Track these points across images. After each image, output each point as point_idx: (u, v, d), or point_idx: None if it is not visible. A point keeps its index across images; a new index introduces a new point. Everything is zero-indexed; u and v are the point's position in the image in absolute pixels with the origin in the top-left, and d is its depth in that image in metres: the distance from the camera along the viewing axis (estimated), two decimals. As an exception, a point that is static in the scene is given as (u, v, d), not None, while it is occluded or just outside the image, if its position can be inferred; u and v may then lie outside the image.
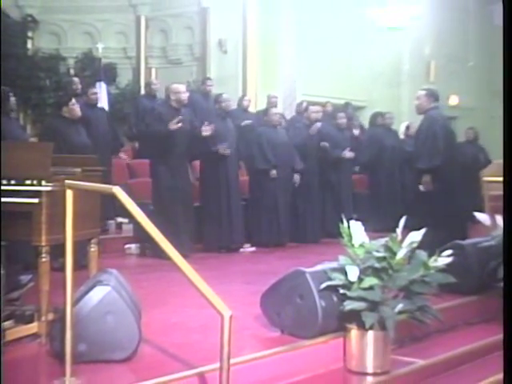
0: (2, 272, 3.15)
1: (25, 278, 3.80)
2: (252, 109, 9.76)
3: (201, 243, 6.89)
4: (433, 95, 5.72)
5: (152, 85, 8.79)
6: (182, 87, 6.57)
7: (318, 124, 7.83)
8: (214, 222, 6.89)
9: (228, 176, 6.97)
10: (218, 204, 6.90)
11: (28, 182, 3.32)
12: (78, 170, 3.53)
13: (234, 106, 8.15)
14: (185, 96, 6.50)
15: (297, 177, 7.59)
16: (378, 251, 3.43)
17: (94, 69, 10.62)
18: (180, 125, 6.19)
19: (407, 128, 9.63)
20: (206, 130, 6.42)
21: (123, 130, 8.76)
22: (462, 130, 11.07)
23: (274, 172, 7.26)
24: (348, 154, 8.07)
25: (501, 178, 3.30)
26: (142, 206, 2.84)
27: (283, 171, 7.40)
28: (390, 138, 9.09)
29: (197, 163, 7.33)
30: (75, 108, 6.00)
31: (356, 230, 3.48)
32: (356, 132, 7.54)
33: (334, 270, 3.48)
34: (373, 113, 9.70)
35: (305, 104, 8.85)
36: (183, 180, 6.49)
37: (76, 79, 7.84)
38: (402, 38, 12.09)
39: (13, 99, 5.77)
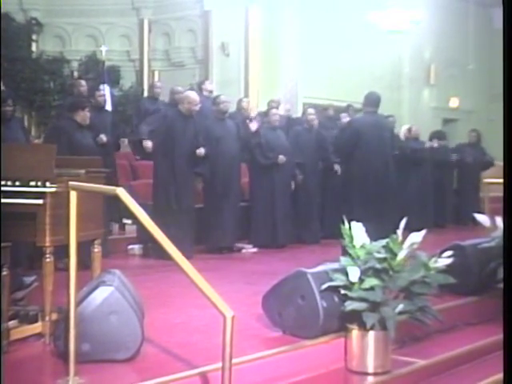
0: (6, 272, 3.18)
1: (28, 278, 3.83)
2: (253, 111, 9.79)
3: (203, 244, 6.92)
4: (368, 100, 5.82)
5: (156, 88, 8.82)
6: (196, 97, 6.56)
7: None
8: (216, 223, 6.92)
9: (229, 177, 7.00)
10: (220, 205, 6.93)
11: (32, 183, 3.35)
12: (82, 171, 3.55)
13: (233, 107, 8.17)
14: (198, 107, 6.54)
15: (299, 176, 7.63)
16: (378, 252, 3.46)
17: (97, 71, 10.67)
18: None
19: (409, 130, 9.67)
20: (200, 152, 6.47)
21: (125, 132, 8.79)
22: (461, 132, 11.13)
23: (281, 157, 7.29)
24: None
25: (501, 180, 3.33)
26: (144, 207, 2.88)
27: (283, 172, 7.43)
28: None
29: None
30: (87, 114, 6.05)
31: (357, 231, 3.50)
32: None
33: (335, 270, 3.50)
34: None
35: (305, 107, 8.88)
36: (186, 183, 6.52)
37: (83, 81, 7.85)
38: (403, 41, 12.12)
39: (10, 101, 5.75)
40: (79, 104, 6.15)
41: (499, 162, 4.18)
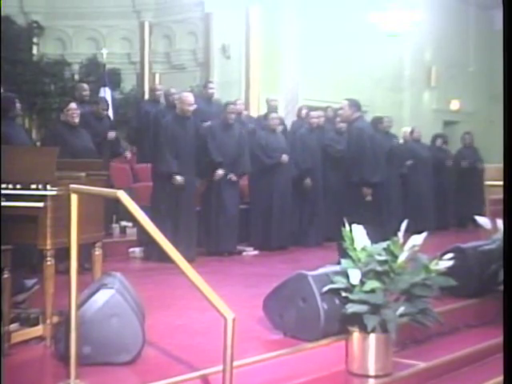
0: (7, 275, 3.18)
1: (29, 281, 3.83)
2: (254, 113, 9.80)
3: (203, 247, 6.92)
4: (355, 105, 5.83)
5: (156, 91, 8.81)
6: (190, 98, 6.56)
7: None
8: (216, 225, 6.92)
9: (228, 179, 7.01)
10: (219, 208, 6.94)
11: (33, 186, 3.36)
12: (83, 174, 3.56)
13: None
14: (191, 108, 6.55)
15: (308, 181, 7.65)
16: (379, 254, 3.45)
17: (98, 74, 10.66)
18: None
19: (411, 132, 9.67)
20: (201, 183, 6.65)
21: (125, 135, 8.81)
22: (462, 134, 11.12)
23: (284, 156, 7.33)
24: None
25: (501, 182, 3.33)
26: (145, 209, 2.88)
27: (282, 174, 7.44)
28: (388, 142, 9.08)
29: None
30: (71, 114, 6.04)
31: (358, 234, 3.50)
32: None
33: (336, 273, 3.51)
34: (372, 118, 9.74)
35: (304, 110, 8.84)
36: (186, 185, 6.52)
37: (85, 85, 7.83)
38: (403, 43, 12.11)
39: (18, 105, 5.81)
40: (62, 105, 6.19)
41: (499, 165, 4.18)
